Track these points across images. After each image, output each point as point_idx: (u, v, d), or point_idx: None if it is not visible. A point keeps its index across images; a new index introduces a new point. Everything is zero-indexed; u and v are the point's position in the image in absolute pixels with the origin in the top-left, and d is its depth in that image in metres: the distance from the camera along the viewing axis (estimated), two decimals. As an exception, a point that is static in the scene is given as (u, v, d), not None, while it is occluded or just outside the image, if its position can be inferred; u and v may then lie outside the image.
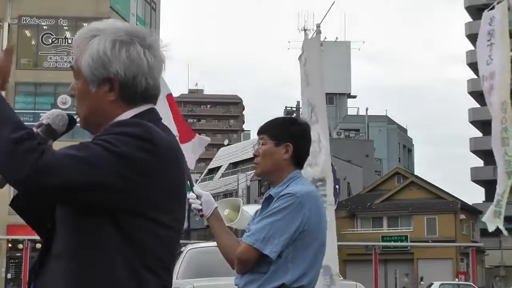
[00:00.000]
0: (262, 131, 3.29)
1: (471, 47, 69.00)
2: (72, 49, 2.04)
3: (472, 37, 68.87)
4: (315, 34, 6.84)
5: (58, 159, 1.79)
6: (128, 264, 1.86)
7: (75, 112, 2.08)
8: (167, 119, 5.66)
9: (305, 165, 3.47)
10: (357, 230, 49.21)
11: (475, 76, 69.30)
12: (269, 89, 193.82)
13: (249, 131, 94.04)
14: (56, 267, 1.89)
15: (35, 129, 1.96)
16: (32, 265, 2.00)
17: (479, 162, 68.83)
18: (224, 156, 72.84)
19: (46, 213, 2.01)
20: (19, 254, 31.76)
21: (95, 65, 1.95)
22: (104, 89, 1.96)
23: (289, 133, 3.25)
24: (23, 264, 29.74)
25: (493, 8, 6.46)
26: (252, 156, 3.34)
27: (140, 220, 1.87)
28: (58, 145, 1.92)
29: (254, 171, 3.34)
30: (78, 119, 2.04)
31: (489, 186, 64.54)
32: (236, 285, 3.17)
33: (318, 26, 6.82)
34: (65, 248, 1.89)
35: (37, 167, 1.76)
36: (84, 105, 1.99)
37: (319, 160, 6.33)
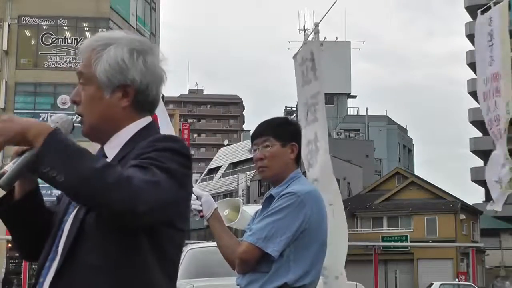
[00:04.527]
0: (265, 133, 3.23)
1: (471, 47, 68.91)
2: (80, 55, 2.04)
3: (472, 37, 68.37)
4: (313, 33, 6.82)
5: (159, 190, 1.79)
6: (165, 274, 1.91)
7: (73, 113, 2.07)
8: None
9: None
10: (357, 230, 49.14)
11: (475, 76, 69.26)
12: (269, 89, 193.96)
13: (249, 131, 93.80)
14: (93, 280, 1.83)
15: None
16: (41, 268, 1.94)
17: (479, 162, 68.78)
18: (224, 156, 72.83)
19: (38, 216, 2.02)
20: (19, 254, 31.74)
21: (112, 71, 1.97)
22: (117, 95, 1.99)
23: (290, 133, 3.25)
24: (23, 264, 29.73)
25: (488, 8, 6.46)
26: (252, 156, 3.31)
27: (169, 230, 1.92)
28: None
29: (261, 174, 3.27)
30: (76, 124, 2.01)
31: (489, 186, 64.61)
32: (238, 285, 3.15)
33: (317, 25, 6.80)
34: (104, 261, 1.84)
35: (155, 202, 1.78)
36: (95, 111, 1.99)
37: (318, 159, 6.30)
